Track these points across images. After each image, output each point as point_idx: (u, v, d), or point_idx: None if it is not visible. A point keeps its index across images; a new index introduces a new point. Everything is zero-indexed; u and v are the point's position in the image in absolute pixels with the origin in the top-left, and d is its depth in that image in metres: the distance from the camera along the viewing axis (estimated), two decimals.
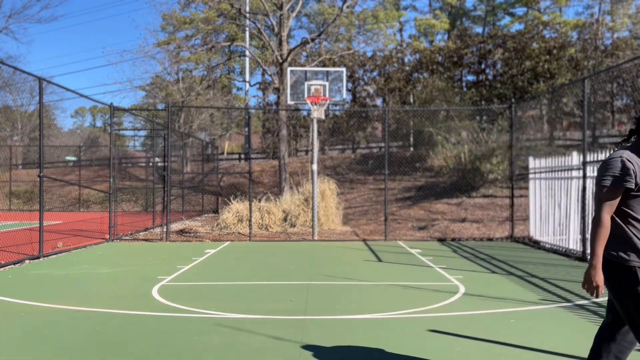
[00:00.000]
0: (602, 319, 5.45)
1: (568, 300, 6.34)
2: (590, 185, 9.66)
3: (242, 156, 32.59)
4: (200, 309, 5.87)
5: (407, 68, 28.70)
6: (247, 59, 27.12)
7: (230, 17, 22.44)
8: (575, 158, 10.31)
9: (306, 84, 13.49)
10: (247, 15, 20.13)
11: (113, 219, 13.11)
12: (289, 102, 13.97)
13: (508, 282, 7.60)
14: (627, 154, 2.93)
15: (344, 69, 14.38)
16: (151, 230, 15.22)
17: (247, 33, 25.68)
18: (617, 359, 3.08)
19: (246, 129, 29.91)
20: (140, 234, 14.40)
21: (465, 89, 27.01)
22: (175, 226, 15.93)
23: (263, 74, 30.35)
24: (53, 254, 10.33)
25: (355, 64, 28.59)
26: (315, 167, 13.55)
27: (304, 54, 28.72)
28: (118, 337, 4.80)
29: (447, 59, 27.19)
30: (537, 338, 4.78)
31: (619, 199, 2.91)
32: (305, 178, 16.82)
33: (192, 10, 28.98)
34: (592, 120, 23.94)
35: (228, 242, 12.73)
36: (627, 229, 2.91)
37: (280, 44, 18.74)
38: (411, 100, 27.58)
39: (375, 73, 29.19)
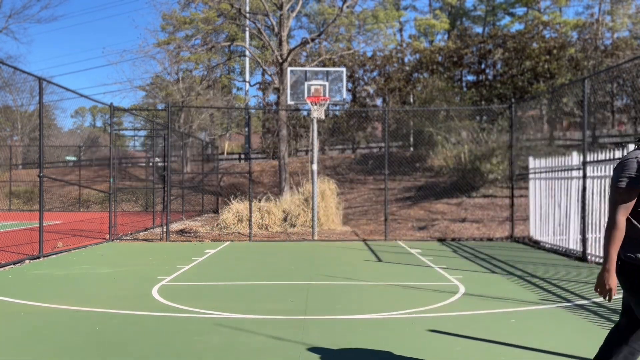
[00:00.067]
0: (602, 319, 5.45)
1: (568, 300, 6.34)
2: (590, 185, 9.65)
3: (242, 156, 32.60)
4: (200, 309, 5.87)
5: (407, 68, 28.71)
6: (247, 59, 27.11)
7: (230, 17, 22.45)
8: (575, 158, 10.31)
9: (306, 84, 13.49)
10: (247, 15, 20.12)
11: (113, 219, 13.11)
12: (289, 102, 13.97)
13: (508, 282, 7.60)
14: None
15: (344, 69, 14.38)
16: (151, 230, 15.22)
17: (247, 33, 25.68)
18: None
19: (246, 129, 29.90)
20: (140, 234, 14.40)
21: (465, 89, 27.02)
22: (175, 226, 15.93)
23: (263, 74, 30.37)
24: (53, 254, 10.33)
25: (355, 64, 28.59)
26: (315, 167, 13.55)
27: (304, 54, 28.73)
28: (118, 337, 4.80)
29: (447, 59, 27.19)
30: (537, 338, 4.78)
31: (634, 201, 2.86)
32: (305, 178, 16.82)
33: (192, 10, 29.01)
34: (592, 120, 23.95)
35: (228, 242, 12.73)
36: None
37: (280, 44, 18.74)
38: (411, 100, 27.58)
39: (375, 73, 29.21)
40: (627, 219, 2.90)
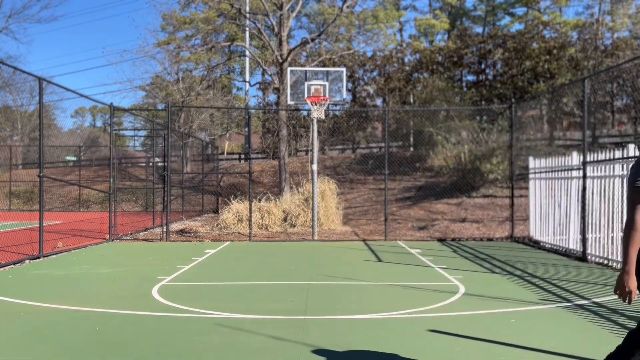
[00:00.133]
0: (602, 319, 5.45)
1: (568, 300, 6.34)
2: (590, 185, 9.65)
3: (242, 156, 32.59)
4: (200, 309, 5.87)
5: (407, 68, 28.70)
6: (247, 59, 27.11)
7: (230, 17, 22.45)
8: (575, 158, 10.32)
9: (306, 84, 13.49)
10: (247, 15, 20.12)
11: (113, 219, 13.11)
12: (289, 102, 13.97)
13: (508, 282, 7.60)
14: None
15: (344, 69, 14.38)
16: (151, 230, 15.22)
17: (247, 33, 25.68)
18: None
19: (246, 129, 29.89)
20: (140, 234, 14.40)
21: (465, 89, 27.02)
22: (175, 226, 15.93)
23: (263, 74, 30.36)
24: (53, 254, 10.33)
25: (355, 64, 28.59)
26: (315, 167, 13.55)
27: (304, 54, 28.73)
28: (118, 337, 4.80)
29: (447, 59, 27.19)
30: (537, 338, 4.77)
31: None
32: (305, 178, 16.82)
33: (192, 10, 29.03)
34: (592, 120, 23.95)
35: (228, 242, 12.73)
36: None
37: (280, 44, 18.74)
38: (411, 100, 27.58)
39: (375, 73, 29.20)
40: None
